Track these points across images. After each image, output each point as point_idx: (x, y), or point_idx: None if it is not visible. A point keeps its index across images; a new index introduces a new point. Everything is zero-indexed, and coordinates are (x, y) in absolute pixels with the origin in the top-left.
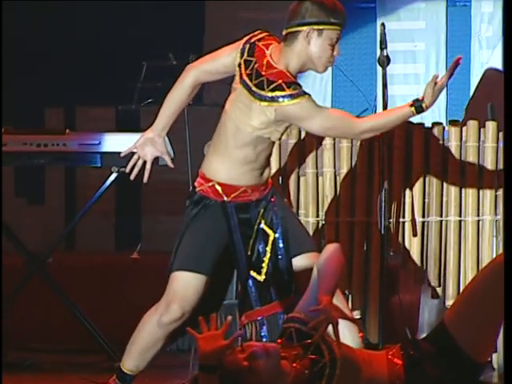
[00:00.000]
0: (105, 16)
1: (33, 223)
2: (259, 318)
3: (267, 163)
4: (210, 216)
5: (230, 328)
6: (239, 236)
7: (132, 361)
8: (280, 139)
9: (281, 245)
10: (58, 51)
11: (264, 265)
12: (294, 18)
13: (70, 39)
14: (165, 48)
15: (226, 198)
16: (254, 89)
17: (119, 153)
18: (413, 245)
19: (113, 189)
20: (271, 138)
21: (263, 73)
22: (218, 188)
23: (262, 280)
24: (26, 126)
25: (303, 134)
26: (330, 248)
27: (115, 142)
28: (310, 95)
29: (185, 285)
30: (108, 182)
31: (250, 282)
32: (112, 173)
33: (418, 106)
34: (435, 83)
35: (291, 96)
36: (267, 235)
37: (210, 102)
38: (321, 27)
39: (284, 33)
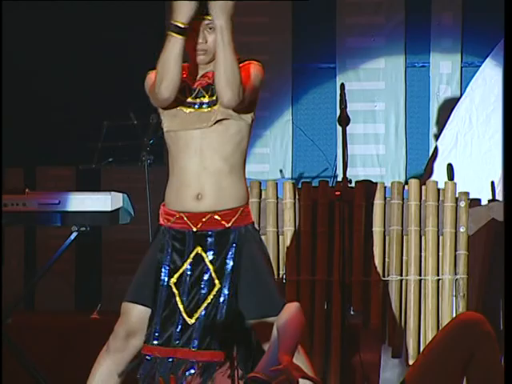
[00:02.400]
0: (66, 75)
1: None
2: (172, 357)
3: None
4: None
5: None
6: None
7: None
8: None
9: (222, 298)
10: (18, 110)
11: (201, 308)
12: None
13: (29, 98)
14: (125, 107)
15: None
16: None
17: (79, 212)
18: (373, 304)
19: (72, 248)
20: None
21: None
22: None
23: (191, 323)
24: None
25: (263, 194)
26: (291, 307)
27: (75, 202)
28: None
29: (126, 313)
30: (68, 242)
31: (180, 320)
32: (72, 232)
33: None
34: None
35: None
36: (213, 284)
37: None
38: None
39: None
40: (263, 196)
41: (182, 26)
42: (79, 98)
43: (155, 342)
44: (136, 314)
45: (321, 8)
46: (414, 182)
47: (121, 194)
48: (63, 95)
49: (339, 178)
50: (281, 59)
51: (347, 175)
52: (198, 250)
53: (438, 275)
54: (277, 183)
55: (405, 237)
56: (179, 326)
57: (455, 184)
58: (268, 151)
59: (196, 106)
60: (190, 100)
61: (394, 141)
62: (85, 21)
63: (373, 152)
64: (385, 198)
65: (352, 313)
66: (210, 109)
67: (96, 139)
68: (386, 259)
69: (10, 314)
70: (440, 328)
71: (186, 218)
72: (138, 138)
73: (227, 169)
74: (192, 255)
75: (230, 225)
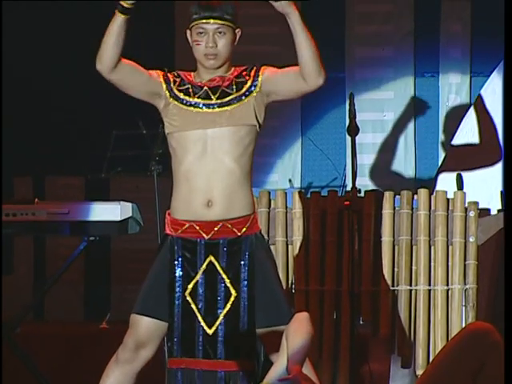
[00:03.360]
0: (75, 85)
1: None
2: (198, 369)
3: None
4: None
5: None
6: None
7: None
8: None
9: (242, 307)
10: (27, 120)
11: (219, 317)
12: None
13: (39, 108)
14: (134, 117)
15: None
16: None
17: (88, 222)
18: (383, 314)
19: (82, 258)
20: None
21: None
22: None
23: (210, 333)
24: None
25: (272, 204)
26: (300, 317)
27: (84, 211)
28: None
29: (135, 325)
30: (77, 251)
31: (200, 331)
32: (81, 242)
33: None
34: None
35: None
36: (229, 293)
37: None
38: (189, 26)
39: None
40: (272, 205)
41: (125, 5)
42: (88, 107)
43: (180, 355)
44: (145, 326)
45: (330, 18)
46: (423, 192)
47: (130, 204)
48: (72, 105)
49: (348, 188)
50: None
51: (356, 185)
52: (211, 258)
53: (448, 285)
54: (286, 193)
55: (414, 246)
56: (200, 337)
57: (464, 194)
58: (277, 160)
59: (201, 106)
60: (195, 100)
61: (403, 150)
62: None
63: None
64: (394, 208)
65: (361, 323)
66: (219, 109)
67: (105, 149)
68: (396, 269)
69: (19, 324)
70: (449, 338)
71: (197, 227)
72: (147, 147)
73: (238, 171)
74: (205, 264)
75: (241, 233)
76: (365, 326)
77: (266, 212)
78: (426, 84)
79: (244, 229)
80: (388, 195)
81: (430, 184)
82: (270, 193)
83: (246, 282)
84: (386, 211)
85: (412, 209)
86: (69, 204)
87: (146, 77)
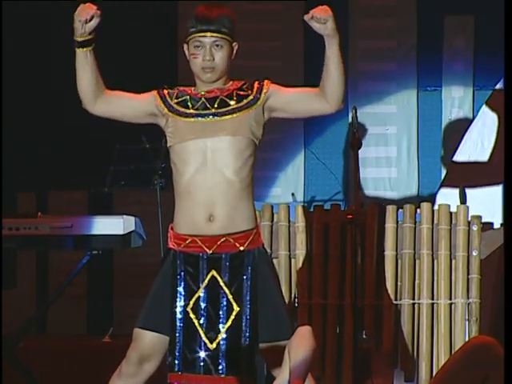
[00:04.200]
0: (78, 100)
1: (3, 307)
2: None
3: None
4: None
5: None
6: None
7: None
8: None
9: (244, 322)
10: (31, 135)
11: (221, 332)
12: None
13: (42, 123)
14: (137, 131)
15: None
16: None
17: (91, 236)
18: (386, 328)
19: (85, 272)
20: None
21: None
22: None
23: (211, 348)
24: None
25: (275, 218)
26: (302, 331)
27: (87, 225)
28: None
29: (138, 339)
30: (80, 265)
31: (201, 346)
32: (84, 256)
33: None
34: None
35: None
36: (232, 308)
37: None
38: (187, 39)
39: None
40: (275, 219)
41: (79, 39)
42: (91, 121)
43: (181, 370)
44: (148, 340)
45: None
46: (426, 206)
47: (133, 218)
48: (75, 119)
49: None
50: (293, 83)
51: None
52: (213, 273)
53: (451, 299)
54: (289, 206)
55: (417, 260)
56: (202, 352)
57: (467, 207)
58: (280, 174)
59: (199, 117)
60: (192, 111)
61: (405, 164)
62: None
63: (385, 175)
64: (397, 222)
65: (364, 337)
66: (217, 119)
67: (108, 163)
68: (399, 283)
69: (21, 338)
70: (453, 352)
71: (199, 242)
72: (149, 161)
73: (238, 184)
74: (207, 279)
75: (244, 247)
76: (368, 340)
77: (269, 226)
78: (429, 98)
79: (246, 243)
80: (391, 209)
81: (433, 198)
82: (272, 206)
83: (248, 297)
84: (389, 225)
85: (415, 222)
86: (72, 218)
87: (136, 102)
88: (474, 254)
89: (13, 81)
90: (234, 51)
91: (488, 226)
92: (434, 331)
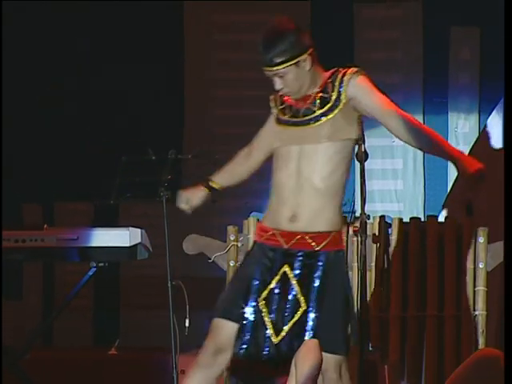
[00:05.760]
0: (84, 110)
1: (10, 319)
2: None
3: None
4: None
5: None
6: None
7: None
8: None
9: (310, 323)
10: (37, 147)
11: (285, 328)
12: None
13: (47, 135)
14: (144, 143)
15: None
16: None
17: (97, 248)
18: (392, 340)
19: (91, 284)
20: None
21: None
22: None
23: (275, 342)
24: (4, 223)
25: None
26: (309, 344)
27: (93, 237)
28: None
29: (216, 329)
30: (86, 277)
31: (266, 337)
32: (90, 268)
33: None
34: None
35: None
36: (299, 304)
37: None
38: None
39: None
40: None
41: (213, 186)
42: (97, 133)
43: (244, 358)
44: (226, 331)
45: (338, 43)
46: (432, 218)
47: (139, 230)
48: (81, 131)
49: (357, 214)
50: None
51: (365, 210)
52: (286, 268)
53: (458, 311)
54: None
55: (423, 272)
56: (267, 344)
57: (473, 219)
58: None
59: (290, 123)
60: (287, 118)
61: (412, 176)
62: (104, 53)
63: (391, 187)
64: (403, 234)
65: (370, 349)
66: (305, 127)
67: (114, 175)
68: (405, 295)
69: (28, 350)
70: (459, 364)
71: (278, 236)
72: (156, 173)
73: (324, 191)
74: (280, 273)
75: (319, 248)
76: (374, 352)
77: None
78: (435, 110)
79: (323, 244)
80: (397, 221)
81: (439, 210)
82: None
83: (314, 297)
84: (395, 237)
85: (421, 235)
86: (78, 230)
87: (264, 136)
88: (481, 266)
89: (19, 88)
90: (308, 62)
91: (494, 237)
92: (440, 343)
